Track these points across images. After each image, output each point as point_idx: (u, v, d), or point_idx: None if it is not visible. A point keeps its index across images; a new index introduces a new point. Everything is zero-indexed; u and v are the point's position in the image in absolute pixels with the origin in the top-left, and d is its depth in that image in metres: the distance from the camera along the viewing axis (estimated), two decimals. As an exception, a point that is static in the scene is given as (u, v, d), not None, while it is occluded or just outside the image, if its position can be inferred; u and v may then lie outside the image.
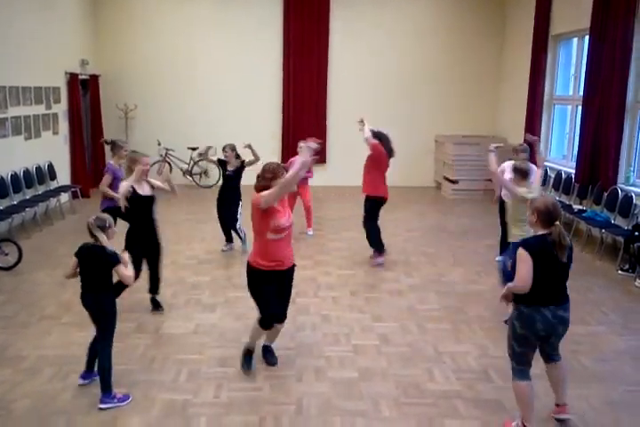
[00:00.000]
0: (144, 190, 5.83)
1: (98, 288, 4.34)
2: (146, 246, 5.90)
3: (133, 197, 5.71)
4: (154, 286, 6.11)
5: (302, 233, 9.01)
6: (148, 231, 5.92)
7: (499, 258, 7.39)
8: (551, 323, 3.85)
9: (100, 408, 4.27)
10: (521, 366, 3.98)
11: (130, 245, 5.46)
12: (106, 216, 4.46)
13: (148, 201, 5.88)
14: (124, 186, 5.67)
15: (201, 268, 7.50)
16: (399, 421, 4.19)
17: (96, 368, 4.44)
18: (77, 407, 4.28)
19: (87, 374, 4.60)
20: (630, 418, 4.27)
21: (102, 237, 4.29)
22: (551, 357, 4.10)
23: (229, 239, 8.30)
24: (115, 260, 4.32)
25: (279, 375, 4.28)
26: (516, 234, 5.51)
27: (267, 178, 4.49)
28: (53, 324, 5.71)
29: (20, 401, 4.35)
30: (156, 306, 6.12)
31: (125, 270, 4.36)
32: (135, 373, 4.79)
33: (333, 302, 6.39)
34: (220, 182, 8.62)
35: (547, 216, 3.78)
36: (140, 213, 5.84)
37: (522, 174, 5.66)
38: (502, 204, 7.50)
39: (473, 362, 5.09)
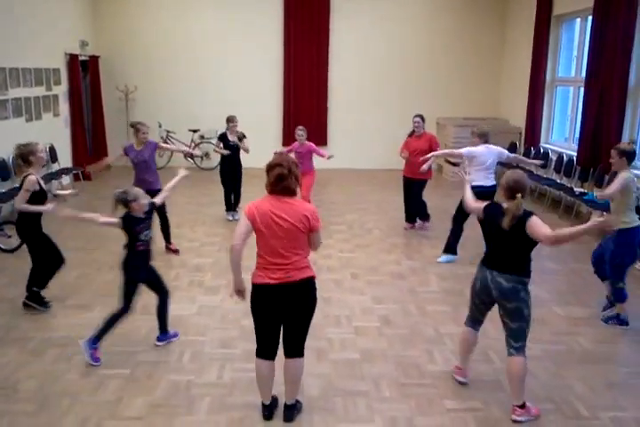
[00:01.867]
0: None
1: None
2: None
3: (37, 190, 5.43)
4: None
5: None
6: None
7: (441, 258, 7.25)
8: (487, 285, 4.08)
9: (157, 345, 4.98)
10: (469, 319, 4.43)
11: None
12: (134, 191, 4.78)
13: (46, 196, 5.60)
14: (34, 180, 5.34)
15: (203, 250, 7.54)
16: (399, 401, 4.25)
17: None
18: (82, 388, 4.34)
19: (163, 336, 5.03)
20: (630, 400, 4.32)
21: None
22: (507, 345, 4.11)
23: (234, 207, 8.97)
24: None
25: (281, 357, 4.30)
26: (625, 220, 5.34)
27: (296, 176, 3.79)
28: (57, 306, 5.76)
29: (25, 382, 4.42)
30: None
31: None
32: (139, 354, 4.85)
33: (335, 285, 6.44)
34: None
35: (507, 191, 4.03)
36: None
37: (628, 157, 5.33)
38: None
39: (473, 344, 5.13)
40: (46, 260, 5.67)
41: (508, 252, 4.02)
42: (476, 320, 4.40)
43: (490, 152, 7.06)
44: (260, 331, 3.93)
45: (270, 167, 3.76)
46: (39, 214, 5.53)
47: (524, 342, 4.05)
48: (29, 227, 5.51)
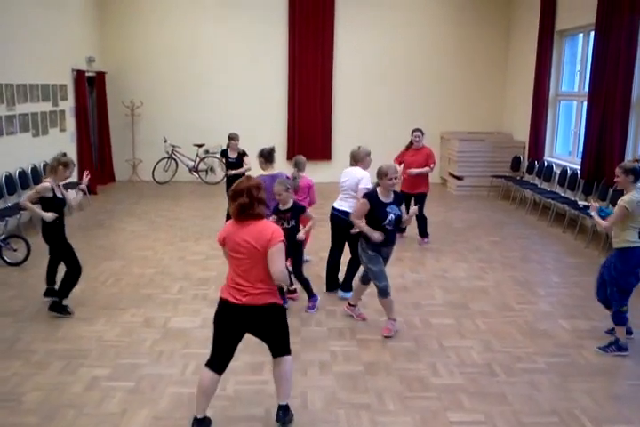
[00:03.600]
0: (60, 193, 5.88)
1: None
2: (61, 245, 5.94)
3: (50, 197, 5.74)
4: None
5: None
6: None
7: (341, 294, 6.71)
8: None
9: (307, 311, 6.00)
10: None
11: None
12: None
13: (62, 204, 5.88)
14: (47, 186, 5.65)
15: (208, 263, 7.56)
16: (403, 414, 4.24)
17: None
18: (86, 400, 4.35)
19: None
20: (635, 412, 4.30)
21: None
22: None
23: None
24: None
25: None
26: (627, 239, 5.24)
27: (259, 199, 3.80)
28: (62, 318, 5.77)
29: (30, 394, 4.42)
30: None
31: None
32: (143, 366, 4.86)
33: (337, 298, 6.45)
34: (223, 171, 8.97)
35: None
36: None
37: (635, 175, 5.24)
38: None
39: (476, 356, 5.13)
40: (70, 265, 5.91)
41: None
42: None
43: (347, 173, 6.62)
44: (217, 343, 3.98)
45: (231, 196, 3.82)
46: (62, 225, 5.85)
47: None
48: (53, 233, 5.82)
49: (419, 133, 8.44)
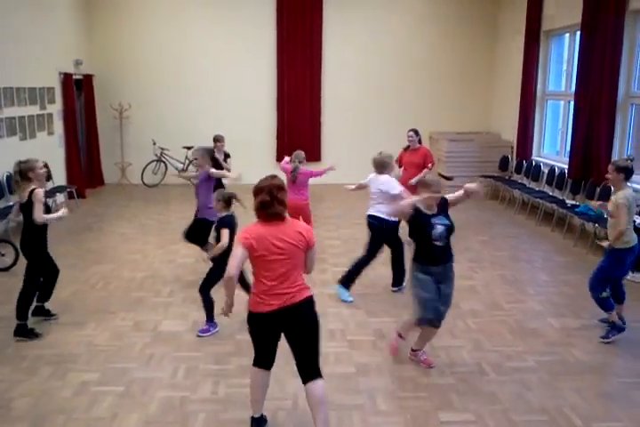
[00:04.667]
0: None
1: None
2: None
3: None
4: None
5: None
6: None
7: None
8: None
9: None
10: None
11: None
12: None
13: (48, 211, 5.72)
14: (42, 192, 5.42)
15: (198, 266, 7.52)
16: (395, 414, 4.25)
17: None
18: (76, 405, 4.33)
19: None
20: (624, 410, 4.32)
21: None
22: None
23: None
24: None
25: (275, 371, 4.31)
26: (622, 239, 5.27)
27: (280, 200, 3.75)
28: (51, 323, 5.75)
29: (19, 400, 4.40)
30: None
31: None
32: (133, 370, 4.85)
33: (329, 299, 6.45)
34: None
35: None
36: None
37: (626, 173, 5.25)
38: None
39: (467, 356, 5.15)
40: (39, 281, 5.71)
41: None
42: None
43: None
44: (259, 348, 3.94)
45: (254, 192, 3.78)
46: (45, 231, 5.61)
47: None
48: (35, 244, 5.58)
49: (412, 134, 8.36)
